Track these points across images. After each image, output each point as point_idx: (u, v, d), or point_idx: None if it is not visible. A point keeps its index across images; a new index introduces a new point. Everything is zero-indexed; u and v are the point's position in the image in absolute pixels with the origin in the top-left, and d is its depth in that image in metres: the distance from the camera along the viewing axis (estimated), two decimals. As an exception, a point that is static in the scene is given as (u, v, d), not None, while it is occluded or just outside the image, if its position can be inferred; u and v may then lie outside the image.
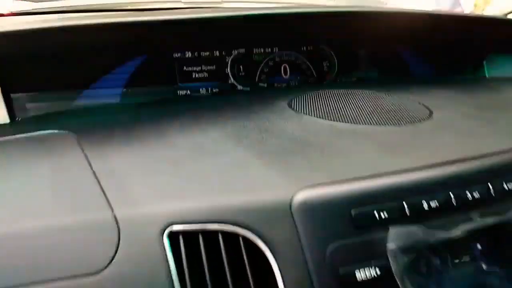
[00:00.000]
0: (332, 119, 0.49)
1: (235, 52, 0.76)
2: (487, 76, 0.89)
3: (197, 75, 0.74)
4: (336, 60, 0.83)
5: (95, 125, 0.49)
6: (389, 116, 0.51)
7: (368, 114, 0.51)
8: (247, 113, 0.51)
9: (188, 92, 0.73)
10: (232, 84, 0.76)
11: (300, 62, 0.80)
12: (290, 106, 0.55)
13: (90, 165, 0.35)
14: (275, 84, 0.79)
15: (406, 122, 0.49)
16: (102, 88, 0.67)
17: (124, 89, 0.68)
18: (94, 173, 0.34)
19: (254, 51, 0.77)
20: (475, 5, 1.29)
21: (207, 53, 0.74)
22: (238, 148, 0.40)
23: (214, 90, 0.75)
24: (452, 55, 0.88)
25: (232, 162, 0.37)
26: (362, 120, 0.49)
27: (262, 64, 0.78)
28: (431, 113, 0.53)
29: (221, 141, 0.42)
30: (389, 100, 0.58)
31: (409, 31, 0.76)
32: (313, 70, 0.81)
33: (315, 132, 0.46)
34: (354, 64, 0.84)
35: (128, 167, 0.36)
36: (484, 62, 0.89)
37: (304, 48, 0.81)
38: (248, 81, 0.77)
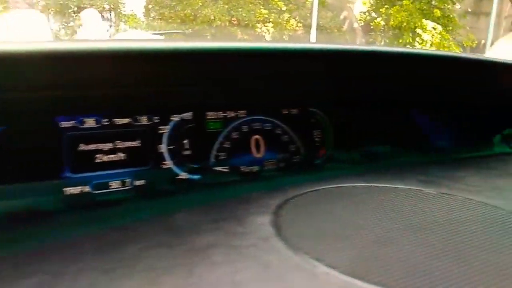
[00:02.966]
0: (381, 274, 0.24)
1: (175, 118, 0.45)
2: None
3: (104, 158, 0.41)
4: (332, 129, 0.55)
5: None
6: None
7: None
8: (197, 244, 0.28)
9: (88, 189, 0.40)
10: (170, 171, 0.44)
11: (280, 133, 0.51)
12: (277, 228, 0.29)
13: None
14: (241, 168, 0.49)
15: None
16: None
17: None
18: None
19: (208, 116, 0.47)
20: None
21: (126, 120, 0.42)
22: None
23: (135, 184, 0.43)
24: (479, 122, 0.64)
25: None
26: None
27: (221, 136, 0.48)
28: None
29: None
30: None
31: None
32: (300, 145, 0.52)
33: None
34: (358, 134, 0.56)
35: None
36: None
37: (286, 111, 0.52)
38: (198, 164, 0.46)
